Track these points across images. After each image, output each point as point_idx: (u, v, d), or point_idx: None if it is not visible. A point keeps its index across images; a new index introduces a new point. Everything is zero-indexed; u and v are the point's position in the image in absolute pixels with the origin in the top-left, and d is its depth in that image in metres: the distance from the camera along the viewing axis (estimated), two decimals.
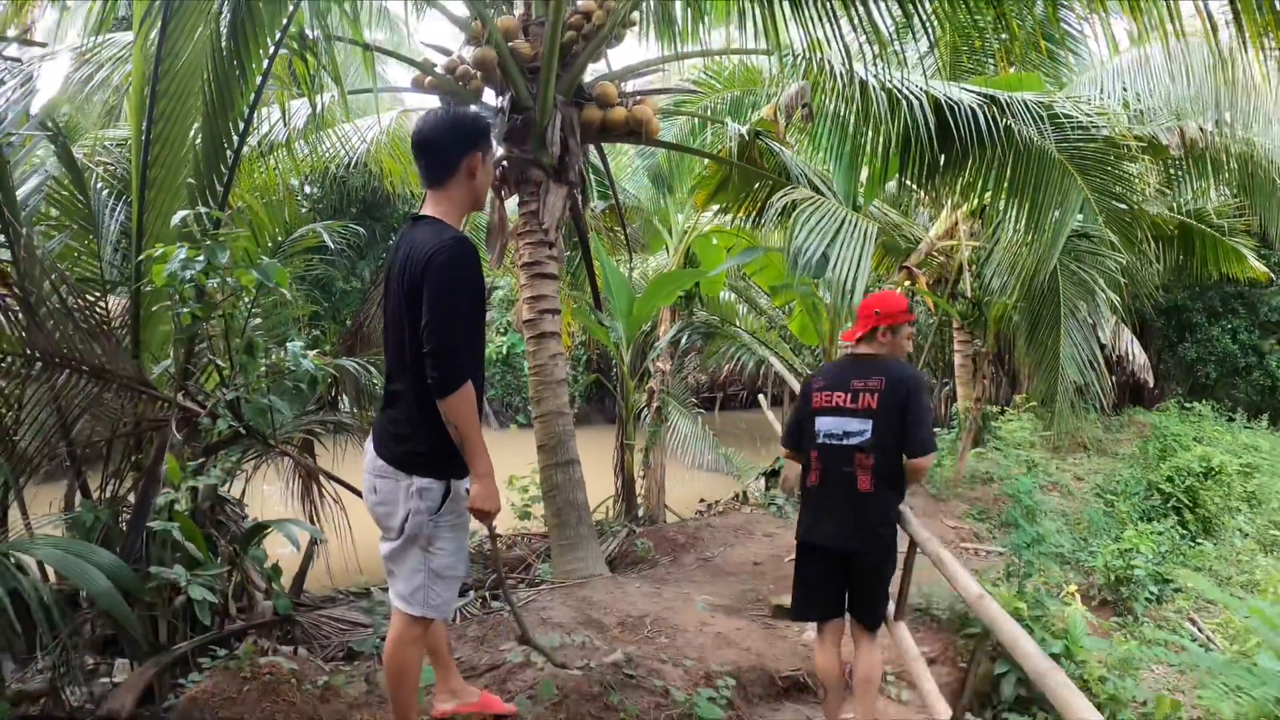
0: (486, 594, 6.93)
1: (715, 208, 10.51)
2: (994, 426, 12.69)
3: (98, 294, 5.56)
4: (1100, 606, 7.65)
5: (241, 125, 5.68)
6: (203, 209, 4.88)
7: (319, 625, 5.54)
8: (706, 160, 9.60)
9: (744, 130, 8.68)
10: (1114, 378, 15.69)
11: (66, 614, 3.98)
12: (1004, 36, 6.71)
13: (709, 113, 10.66)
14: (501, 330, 22.85)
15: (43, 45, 7.06)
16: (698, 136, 11.29)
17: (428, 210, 3.20)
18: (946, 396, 17.64)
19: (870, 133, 7.74)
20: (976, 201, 9.43)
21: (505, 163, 6.96)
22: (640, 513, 10.62)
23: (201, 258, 4.47)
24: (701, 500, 12.18)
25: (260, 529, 4.95)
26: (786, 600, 6.10)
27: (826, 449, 4.23)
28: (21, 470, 4.87)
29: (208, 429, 4.94)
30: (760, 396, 16.32)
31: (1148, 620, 7.40)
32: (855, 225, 7.70)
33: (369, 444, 3.23)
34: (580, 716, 3.79)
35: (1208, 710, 5.49)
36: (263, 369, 5.00)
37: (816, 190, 8.69)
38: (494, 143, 3.26)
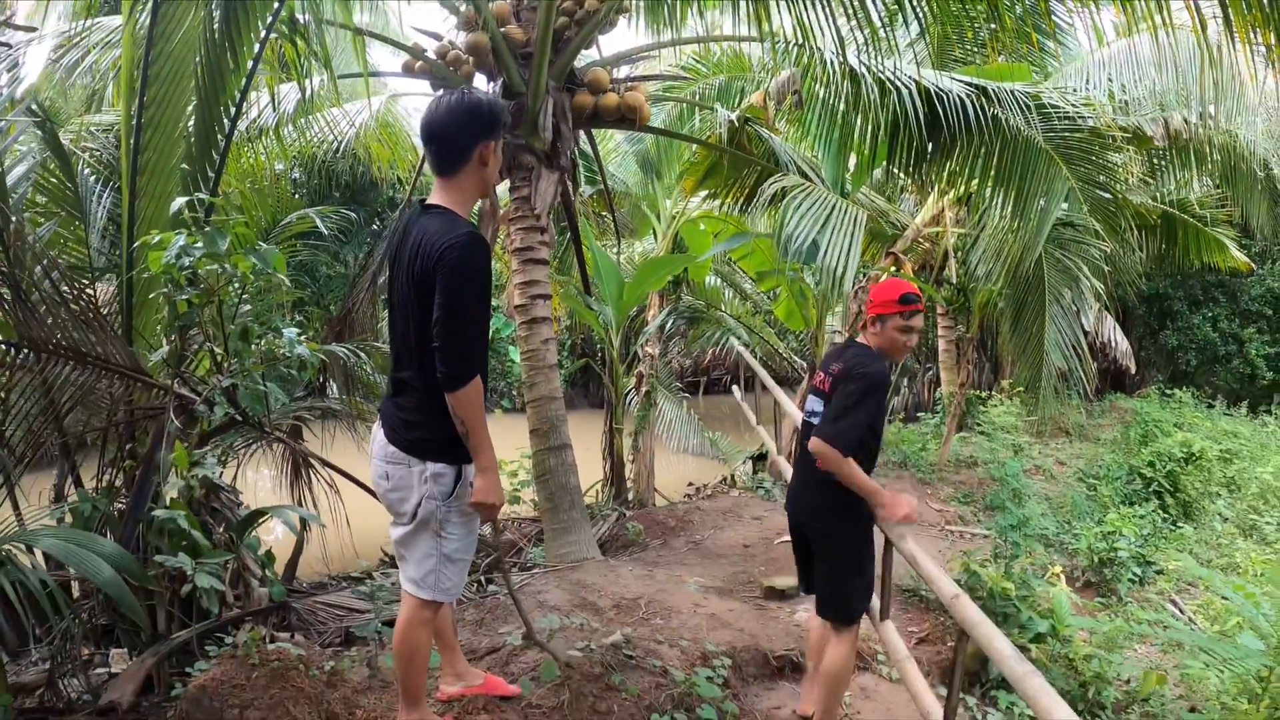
0: (482, 578, 6.97)
1: (703, 193, 10.53)
2: (978, 411, 12.79)
3: (86, 281, 5.54)
4: (1084, 588, 7.75)
5: (233, 110, 5.67)
6: (199, 195, 4.87)
7: (314, 611, 5.55)
8: (695, 146, 9.62)
9: (733, 116, 8.70)
10: (1096, 364, 15.84)
11: (66, 605, 3.99)
12: (993, 27, 6.73)
13: (698, 98, 10.67)
14: None
15: (32, 30, 7.00)
16: (687, 122, 11.31)
17: (437, 199, 3.16)
18: (930, 381, 17.77)
19: (859, 120, 7.76)
20: (963, 189, 9.48)
21: None
22: (630, 496, 10.66)
23: (200, 244, 4.45)
24: (690, 484, 12.24)
25: (257, 515, 4.96)
26: (778, 582, 6.21)
27: (803, 425, 4.36)
28: (14, 461, 4.86)
29: (203, 416, 4.94)
30: (734, 386, 16.32)
31: (1131, 601, 7.50)
32: (845, 212, 7.75)
33: (377, 430, 3.24)
34: (582, 696, 3.83)
35: (1190, 686, 5.61)
36: (257, 355, 5.00)
37: (805, 177, 8.73)
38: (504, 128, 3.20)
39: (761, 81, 9.22)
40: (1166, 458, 10.76)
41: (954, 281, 11.97)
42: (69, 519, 4.58)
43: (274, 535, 9.14)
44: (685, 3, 7.15)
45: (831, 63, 7.21)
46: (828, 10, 6.06)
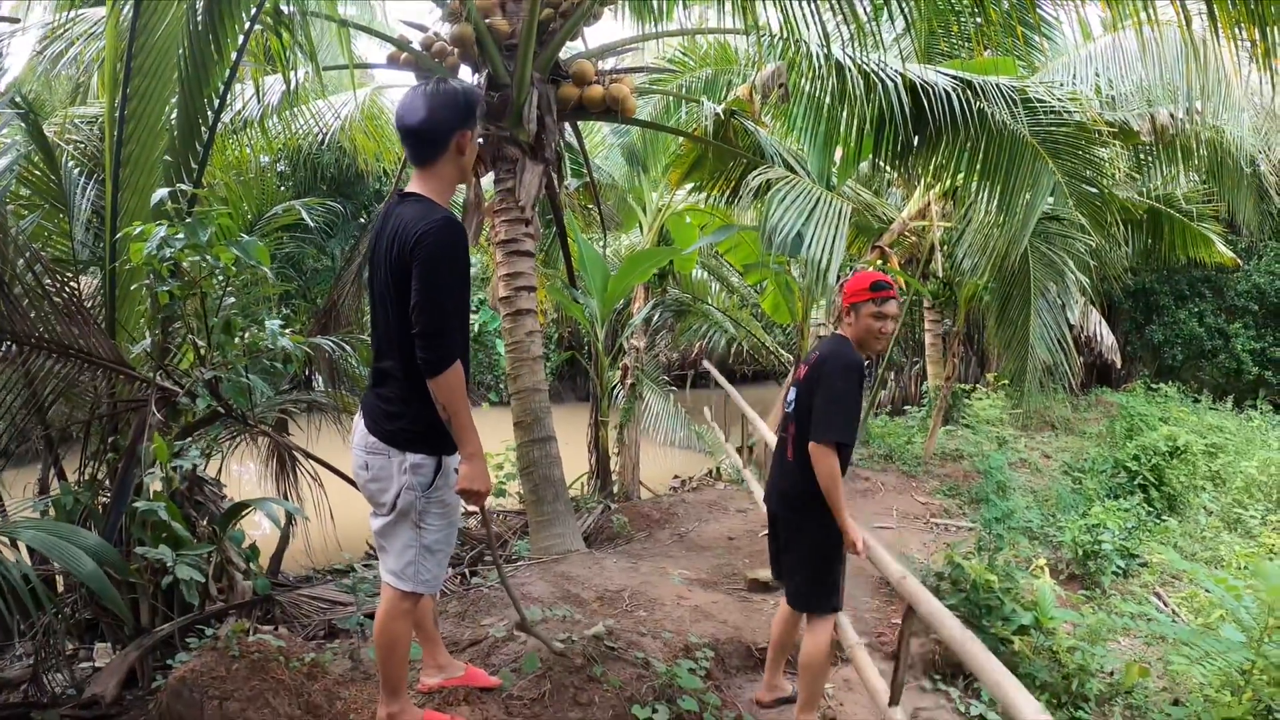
0: (465, 570, 6.97)
1: (689, 186, 10.53)
2: (964, 405, 12.84)
3: (70, 274, 5.51)
4: (1068, 580, 7.79)
5: (216, 101, 5.64)
6: (182, 186, 4.85)
7: (298, 604, 5.56)
8: (681, 139, 9.62)
9: (719, 109, 8.70)
10: (1082, 358, 15.91)
11: (50, 599, 3.97)
12: (979, 21, 6.75)
13: (684, 91, 10.67)
14: (473, 308, 22.75)
15: (15, 21, 6.96)
16: (673, 115, 11.30)
17: (415, 188, 3.16)
18: (917, 375, 17.82)
19: (845, 113, 7.78)
20: (949, 183, 9.50)
21: (482, 140, 6.95)
22: (615, 489, 10.68)
23: (181, 235, 4.43)
24: (675, 476, 12.27)
25: (240, 508, 4.95)
26: (762, 574, 6.22)
27: (784, 414, 4.34)
28: None
29: (186, 408, 4.93)
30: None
31: (1115, 593, 7.54)
32: (830, 204, 7.77)
33: (358, 420, 3.24)
34: (564, 688, 3.84)
35: (1173, 679, 5.64)
36: (240, 348, 4.99)
37: (790, 170, 8.74)
38: (478, 117, 3.20)
39: (747, 75, 9.22)
40: (1152, 451, 10.81)
41: (940, 275, 11.99)
42: (52, 512, 4.56)
43: (261, 530, 9.13)
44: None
45: (817, 56, 7.22)
46: (813, 4, 6.07)
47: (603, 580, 5.84)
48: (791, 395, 4.23)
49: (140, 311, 5.36)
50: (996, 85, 7.47)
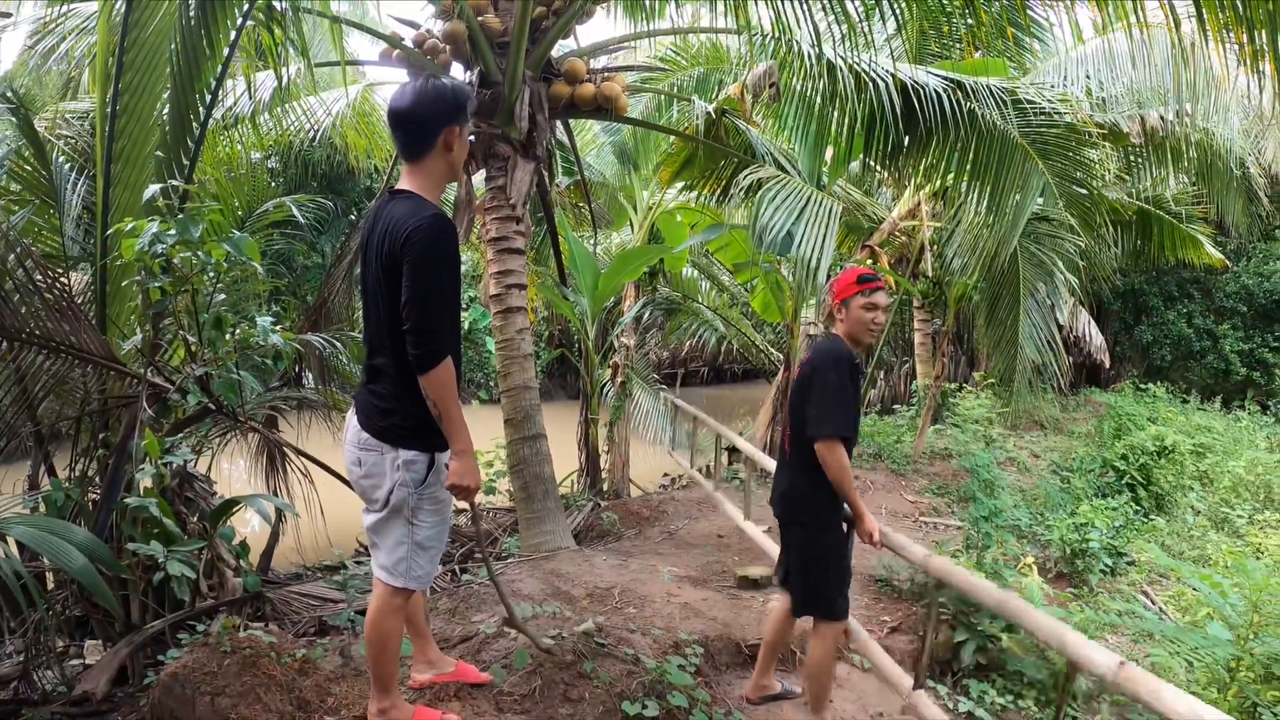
0: (456, 567, 6.98)
1: (680, 185, 10.54)
2: (953, 404, 12.89)
3: (60, 270, 5.49)
4: (1056, 579, 7.83)
5: (208, 97, 5.63)
6: (174, 182, 4.84)
7: (288, 601, 5.56)
8: (672, 137, 9.63)
9: (711, 108, 8.72)
10: (1071, 358, 15.99)
11: (41, 596, 3.97)
12: (970, 22, 6.79)
13: (676, 90, 10.68)
14: (464, 305, 22.70)
15: (6, 15, 6.93)
16: (664, 113, 11.31)
17: (405, 184, 3.18)
18: (906, 374, 17.87)
19: (836, 113, 7.81)
20: (939, 183, 9.54)
21: (473, 137, 6.95)
22: (605, 487, 10.70)
23: (173, 232, 4.43)
24: (665, 475, 12.27)
25: (231, 505, 4.94)
26: (751, 571, 6.25)
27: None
28: None
29: (177, 405, 4.93)
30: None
31: (1102, 592, 7.59)
32: (820, 204, 7.79)
33: (351, 417, 3.25)
34: (554, 684, 3.85)
35: (1160, 675, 5.67)
36: (231, 344, 4.99)
37: (782, 169, 8.76)
38: (468, 114, 3.21)
39: (739, 74, 9.24)
40: (1140, 451, 10.87)
41: (929, 275, 12.05)
42: (42, 508, 4.55)
43: (250, 527, 9.13)
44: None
45: (809, 56, 7.24)
46: (805, 4, 6.08)
47: (592, 577, 5.86)
48: (792, 395, 4.23)
49: (131, 308, 5.34)
50: (987, 86, 7.50)
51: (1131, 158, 12.05)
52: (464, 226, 7.30)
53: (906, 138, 7.73)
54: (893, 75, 7.20)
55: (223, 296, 5.09)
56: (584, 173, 9.70)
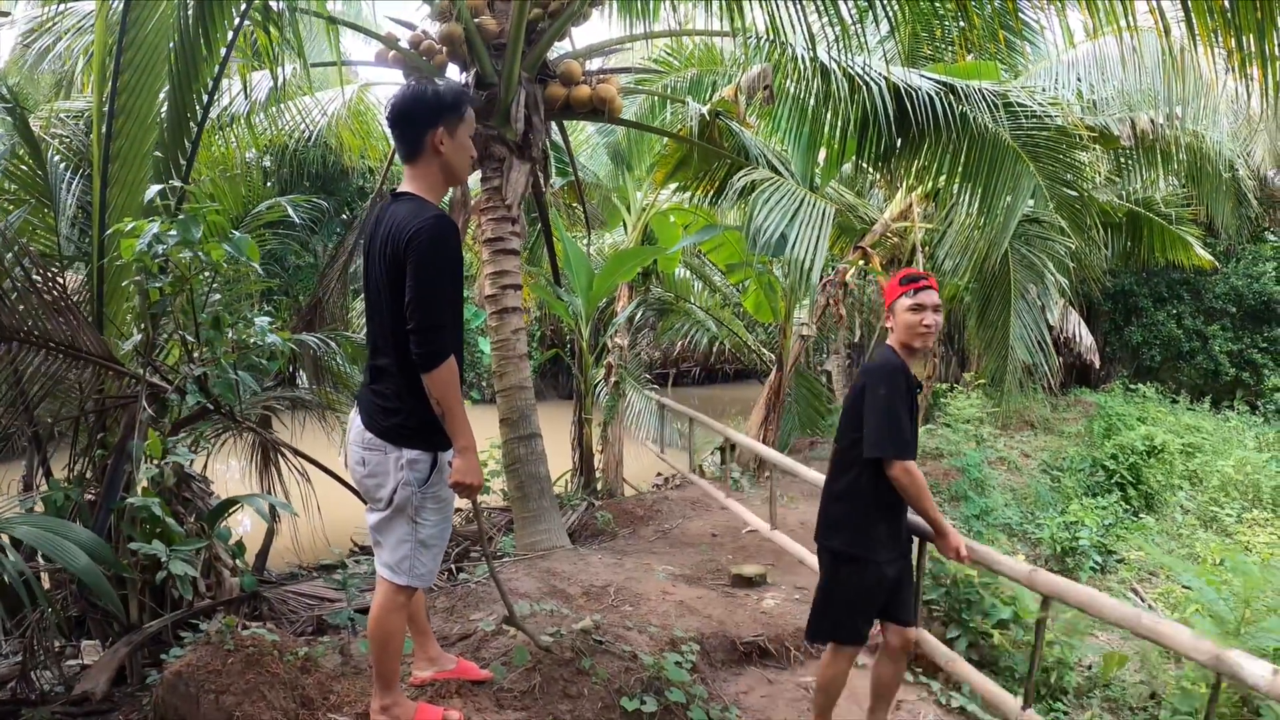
0: (453, 566, 7.00)
1: (674, 186, 10.58)
2: (943, 403, 12.94)
3: (55, 269, 5.50)
4: None
5: (206, 97, 5.65)
6: (174, 183, 4.86)
7: (285, 600, 5.59)
8: (666, 139, 9.67)
9: (704, 110, 8.75)
10: (1061, 358, 16.07)
11: (42, 595, 3.99)
12: (962, 25, 6.84)
13: (670, 92, 10.72)
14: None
15: (3, 14, 6.94)
16: (658, 115, 11.34)
17: (406, 186, 3.23)
18: None
19: (829, 115, 7.85)
20: (931, 185, 9.60)
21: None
22: (599, 486, 10.73)
23: (174, 232, 4.45)
24: (658, 474, 12.29)
25: (229, 504, 4.97)
26: (745, 569, 6.29)
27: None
28: None
29: (175, 404, 4.95)
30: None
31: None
32: (813, 205, 7.84)
33: (354, 416, 3.28)
34: (553, 680, 3.89)
35: (1150, 671, 5.74)
36: (229, 344, 5.01)
37: (775, 170, 8.81)
38: (465, 115, 3.23)
39: (733, 76, 9.29)
40: (1129, 451, 10.96)
41: None
42: (40, 508, 4.57)
43: (244, 527, 9.15)
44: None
45: (802, 58, 7.28)
46: (799, 7, 6.12)
47: (588, 576, 5.89)
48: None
49: (129, 307, 5.36)
50: (979, 89, 7.56)
51: (1122, 160, 12.14)
52: (460, 227, 7.32)
53: (899, 140, 7.79)
54: (885, 78, 7.25)
55: (218, 296, 5.12)
56: (578, 174, 9.73)
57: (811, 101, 7.82)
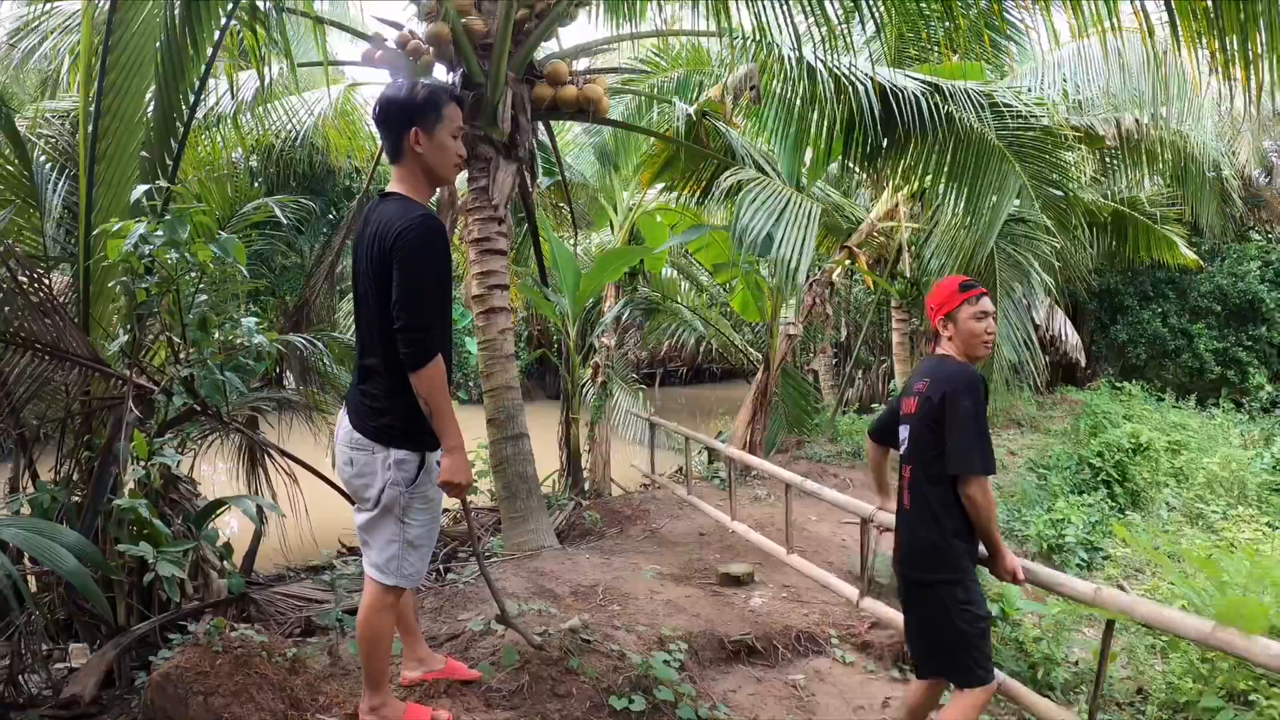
0: (440, 566, 7.00)
1: (660, 186, 10.60)
2: None
3: (41, 270, 5.48)
4: None
5: (192, 97, 5.64)
6: (160, 183, 4.85)
7: (273, 602, 5.57)
8: (653, 139, 9.69)
9: (691, 110, 8.77)
10: (1047, 357, 16.12)
11: (30, 598, 3.97)
12: (948, 25, 6.89)
13: (657, 92, 10.73)
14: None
15: None
16: (645, 115, 11.36)
17: (393, 186, 3.25)
18: (884, 373, 17.99)
19: (816, 115, 7.90)
20: (917, 184, 9.64)
21: None
22: (586, 486, 10.74)
23: (160, 232, 4.44)
24: (645, 474, 12.28)
25: (216, 506, 4.96)
26: (733, 568, 6.30)
27: (901, 459, 3.82)
28: None
29: (162, 405, 4.93)
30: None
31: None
32: (800, 205, 7.87)
33: (342, 417, 3.28)
34: (542, 680, 3.89)
35: (1137, 667, 5.77)
36: (216, 344, 5.00)
37: (761, 171, 8.84)
38: (444, 115, 3.22)
39: (720, 76, 9.30)
40: (1115, 448, 11.01)
41: (907, 275, 12.15)
42: (27, 510, 4.55)
43: (231, 528, 9.12)
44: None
45: (789, 59, 7.32)
46: (786, 7, 6.15)
47: (576, 575, 5.90)
48: (904, 432, 3.74)
49: (115, 308, 5.34)
50: (965, 89, 7.61)
51: (1107, 160, 12.23)
52: (447, 227, 7.31)
53: (885, 140, 7.82)
54: (871, 79, 7.28)
55: (204, 297, 5.10)
56: (565, 174, 9.73)
57: (798, 102, 7.86)
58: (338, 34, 8.57)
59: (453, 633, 4.52)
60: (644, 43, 10.49)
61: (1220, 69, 4.50)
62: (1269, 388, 16.86)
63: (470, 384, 18.10)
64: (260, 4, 5.83)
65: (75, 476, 4.98)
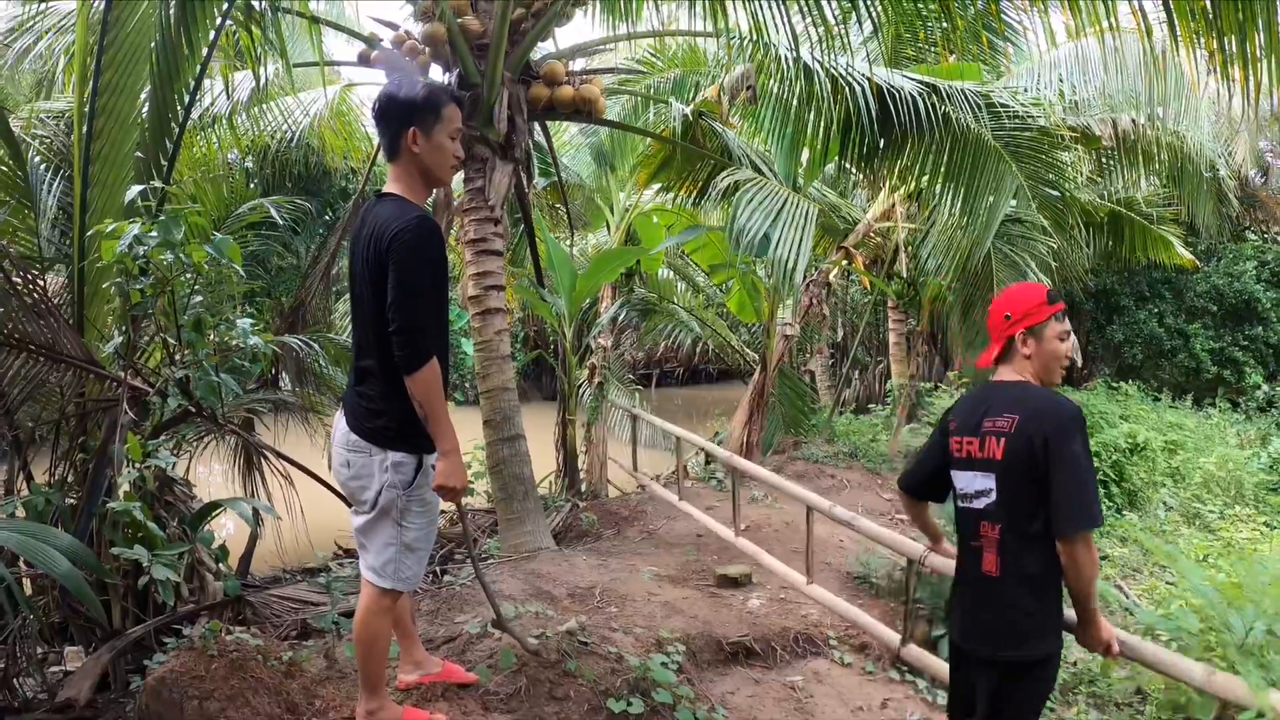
0: (436, 569, 6.98)
1: (657, 186, 10.58)
2: (927, 403, 12.99)
3: (36, 271, 5.45)
4: None
5: (187, 97, 5.62)
6: (155, 184, 4.83)
7: (268, 604, 5.56)
8: (650, 139, 9.67)
9: (688, 110, 8.76)
10: None
11: (25, 601, 3.95)
12: (945, 26, 6.89)
13: (653, 92, 10.72)
14: None
15: None
16: (641, 115, 11.35)
17: (389, 187, 3.22)
18: (881, 374, 18.00)
19: (812, 116, 7.89)
20: (914, 185, 9.64)
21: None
22: (583, 488, 10.71)
23: (155, 233, 4.42)
24: (642, 475, 12.26)
25: (211, 508, 4.93)
26: (730, 570, 6.29)
27: (960, 514, 3.20)
28: None
29: (157, 407, 4.91)
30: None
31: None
32: (797, 206, 7.86)
33: (339, 418, 3.26)
34: (539, 683, 3.88)
35: (1135, 667, 5.75)
36: (211, 346, 4.98)
37: (758, 171, 8.83)
38: (442, 115, 3.16)
39: (716, 76, 9.30)
40: (1112, 448, 11.00)
41: (904, 276, 12.14)
42: (21, 513, 4.53)
43: (226, 530, 9.09)
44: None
45: (785, 59, 7.31)
46: (782, 7, 6.13)
47: (573, 577, 5.89)
48: (984, 482, 3.06)
49: (109, 310, 5.32)
50: (962, 90, 7.61)
51: (1103, 160, 12.24)
52: (443, 228, 7.29)
53: (882, 140, 7.82)
54: (869, 79, 7.28)
55: (200, 298, 5.08)
56: (561, 174, 9.72)
57: (795, 102, 7.85)
58: (334, 34, 8.54)
59: (449, 635, 4.50)
60: (640, 43, 10.49)
61: (1219, 69, 4.49)
62: (1265, 387, 16.86)
63: (466, 385, 18.06)
64: (256, 3, 5.82)
65: (70, 479, 4.95)
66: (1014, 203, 8.33)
